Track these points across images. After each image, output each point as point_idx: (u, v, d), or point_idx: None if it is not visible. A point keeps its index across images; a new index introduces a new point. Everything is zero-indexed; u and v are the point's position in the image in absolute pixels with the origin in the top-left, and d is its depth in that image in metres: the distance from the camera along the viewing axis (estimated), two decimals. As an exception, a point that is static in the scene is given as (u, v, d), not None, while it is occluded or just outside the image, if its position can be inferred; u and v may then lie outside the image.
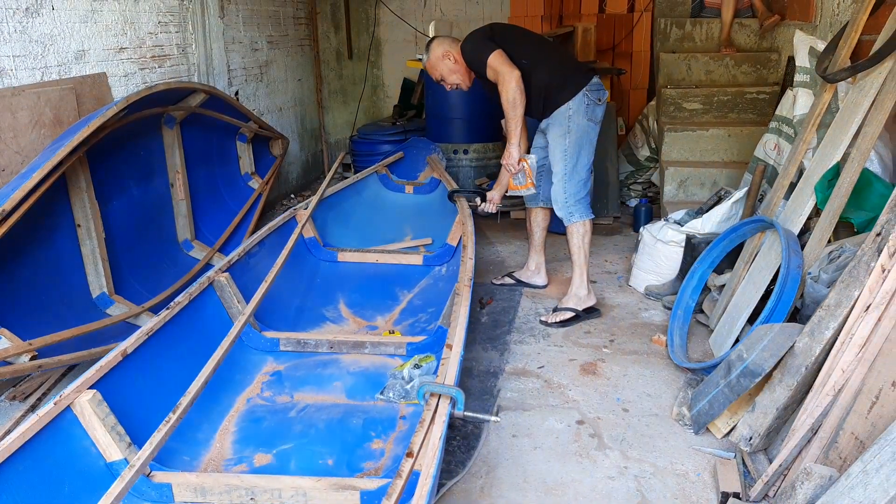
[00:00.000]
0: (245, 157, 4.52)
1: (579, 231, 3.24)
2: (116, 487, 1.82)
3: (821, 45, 3.01)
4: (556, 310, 3.29)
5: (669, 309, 3.23)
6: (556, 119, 3.17)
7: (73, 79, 3.08)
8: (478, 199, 3.67)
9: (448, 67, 3.27)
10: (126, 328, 2.94)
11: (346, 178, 4.32)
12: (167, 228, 3.77)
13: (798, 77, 3.20)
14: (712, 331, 2.99)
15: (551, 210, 3.39)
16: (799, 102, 3.13)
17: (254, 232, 3.76)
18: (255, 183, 4.53)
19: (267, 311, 2.94)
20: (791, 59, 3.94)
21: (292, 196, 5.70)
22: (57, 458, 1.87)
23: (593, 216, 3.28)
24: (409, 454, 1.63)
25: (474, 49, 3.16)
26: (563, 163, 3.18)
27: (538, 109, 3.24)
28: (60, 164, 2.53)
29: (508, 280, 3.74)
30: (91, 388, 1.98)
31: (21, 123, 2.75)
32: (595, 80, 3.19)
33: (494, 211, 3.61)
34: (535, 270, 3.70)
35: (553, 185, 3.25)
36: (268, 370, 2.72)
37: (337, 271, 3.63)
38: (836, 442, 1.70)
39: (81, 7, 3.14)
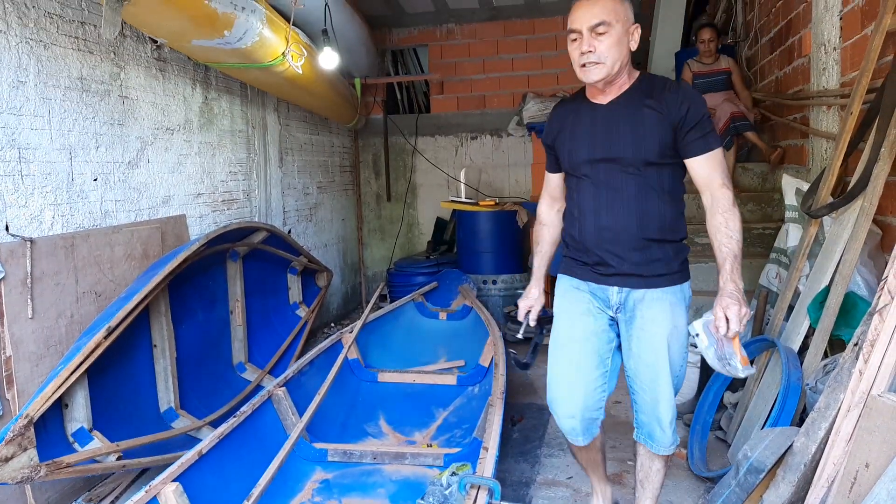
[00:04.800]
0: (294, 288, 4.97)
1: (668, 463, 2.42)
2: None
3: (804, 186, 3.44)
4: None
5: (689, 426, 3.43)
6: (672, 292, 2.29)
7: (159, 219, 3.61)
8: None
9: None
10: (186, 440, 3.25)
11: (382, 307, 4.71)
12: (224, 351, 4.15)
13: (788, 214, 3.60)
14: (730, 445, 3.19)
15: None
16: (791, 235, 3.51)
17: (300, 356, 4.12)
18: (302, 311, 4.95)
19: (315, 424, 3.23)
20: (788, 198, 4.36)
21: (332, 325, 6.10)
22: (141, 543, 2.14)
23: None
24: (454, 532, 1.88)
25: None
26: (680, 359, 2.30)
27: (662, 270, 2.28)
28: (151, 290, 2.96)
29: None
30: (174, 480, 2.29)
31: (117, 256, 3.23)
32: None
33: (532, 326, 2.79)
34: None
35: (659, 393, 2.28)
36: (317, 478, 2.97)
37: (377, 390, 3.93)
38: (828, 524, 1.91)
39: (171, 160, 3.73)
